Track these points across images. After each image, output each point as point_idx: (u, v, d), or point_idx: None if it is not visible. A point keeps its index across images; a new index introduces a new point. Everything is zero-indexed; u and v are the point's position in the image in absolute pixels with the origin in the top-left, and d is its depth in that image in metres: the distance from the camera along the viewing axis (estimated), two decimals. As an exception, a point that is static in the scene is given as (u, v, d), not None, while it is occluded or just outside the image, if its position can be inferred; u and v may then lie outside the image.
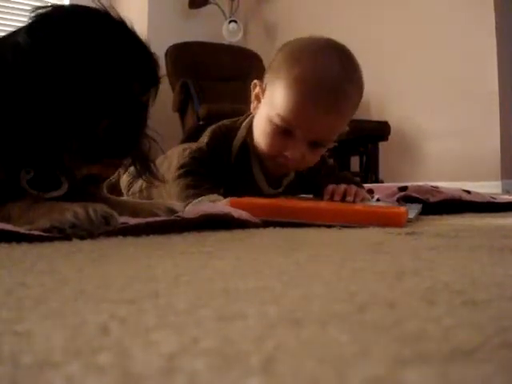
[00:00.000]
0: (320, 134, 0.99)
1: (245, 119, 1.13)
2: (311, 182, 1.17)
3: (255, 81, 1.09)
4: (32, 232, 0.64)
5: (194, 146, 1.13)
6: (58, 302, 0.32)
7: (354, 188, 1.02)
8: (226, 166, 1.09)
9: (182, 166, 1.06)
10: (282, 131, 1.00)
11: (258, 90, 1.08)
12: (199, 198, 0.95)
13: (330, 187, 1.03)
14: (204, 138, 1.11)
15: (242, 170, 1.10)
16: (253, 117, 1.10)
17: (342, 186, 1.02)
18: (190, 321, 0.28)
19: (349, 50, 1.03)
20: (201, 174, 1.04)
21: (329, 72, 0.97)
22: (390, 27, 3.41)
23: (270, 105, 1.01)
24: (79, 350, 0.23)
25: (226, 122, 1.14)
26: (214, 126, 1.14)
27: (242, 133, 1.11)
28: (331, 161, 1.22)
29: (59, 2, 3.90)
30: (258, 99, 1.08)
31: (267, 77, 1.06)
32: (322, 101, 0.96)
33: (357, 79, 1.01)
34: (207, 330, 0.26)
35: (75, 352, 0.23)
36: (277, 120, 0.99)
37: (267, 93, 1.04)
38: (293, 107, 0.97)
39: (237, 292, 0.35)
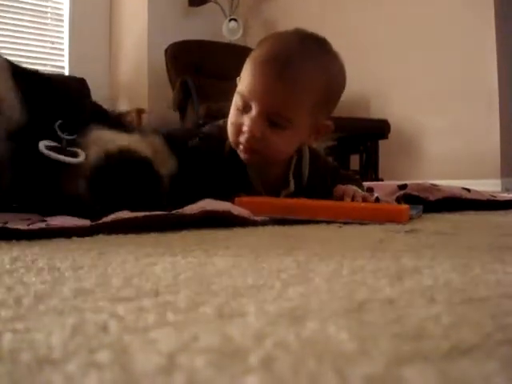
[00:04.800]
0: (274, 105, 0.95)
1: None
2: (313, 192, 1.13)
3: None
4: (31, 227, 0.64)
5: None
6: (58, 299, 0.32)
7: (361, 193, 1.01)
8: (218, 167, 1.06)
9: None
10: (242, 110, 0.98)
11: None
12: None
13: (339, 189, 1.02)
14: (195, 141, 1.09)
15: (236, 173, 1.07)
16: None
17: (352, 188, 1.02)
18: (190, 318, 0.28)
19: (322, 39, 1.02)
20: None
21: (284, 46, 0.97)
22: (391, 26, 3.41)
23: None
24: (78, 347, 0.23)
25: (220, 122, 1.12)
26: (207, 128, 1.12)
27: None
28: (333, 163, 1.20)
29: (59, 1, 3.89)
30: None
31: None
32: (269, 67, 0.95)
33: (318, 56, 0.99)
34: (207, 328, 0.26)
35: (74, 350, 0.23)
36: (237, 98, 0.99)
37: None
38: (246, 78, 0.98)
39: (236, 290, 0.35)
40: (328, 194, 1.06)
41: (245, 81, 0.98)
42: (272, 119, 0.96)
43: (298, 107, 0.97)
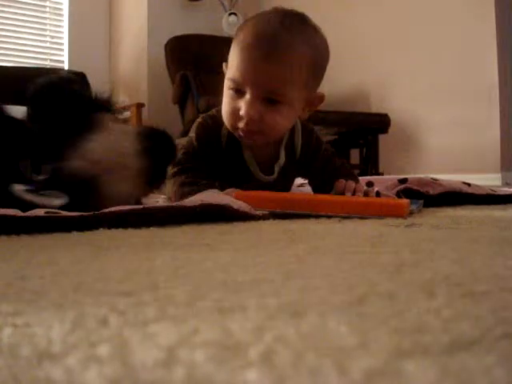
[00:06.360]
0: (267, 86, 0.97)
1: None
2: (305, 167, 1.15)
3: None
4: (28, 215, 0.64)
5: (184, 140, 1.12)
6: (58, 294, 0.32)
7: (362, 187, 1.02)
8: (217, 155, 1.08)
9: (175, 164, 1.05)
10: (236, 95, 0.99)
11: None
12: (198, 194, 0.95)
13: (341, 183, 1.02)
14: (192, 132, 1.11)
15: (233, 158, 1.08)
16: None
17: (353, 183, 1.02)
18: (190, 313, 0.28)
19: (301, 14, 1.03)
20: (195, 170, 1.03)
21: (267, 25, 0.98)
22: (391, 20, 3.39)
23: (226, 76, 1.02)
24: (78, 341, 0.23)
25: (213, 111, 1.13)
26: (200, 118, 1.13)
27: None
28: (328, 145, 1.20)
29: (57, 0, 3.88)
30: None
31: None
32: (258, 50, 0.96)
33: (301, 32, 1.00)
34: (206, 322, 0.26)
35: (74, 344, 0.23)
36: (229, 84, 0.99)
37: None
38: (236, 64, 0.98)
39: (236, 284, 0.35)
40: (319, 171, 1.10)
41: (234, 66, 0.99)
42: (267, 99, 0.98)
43: (290, 83, 0.99)
